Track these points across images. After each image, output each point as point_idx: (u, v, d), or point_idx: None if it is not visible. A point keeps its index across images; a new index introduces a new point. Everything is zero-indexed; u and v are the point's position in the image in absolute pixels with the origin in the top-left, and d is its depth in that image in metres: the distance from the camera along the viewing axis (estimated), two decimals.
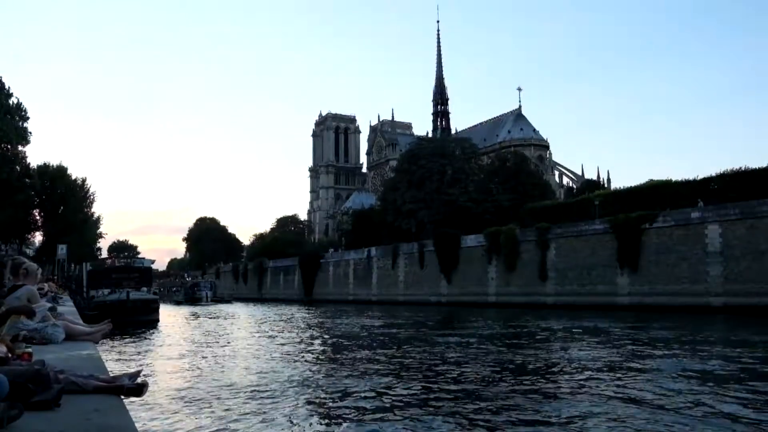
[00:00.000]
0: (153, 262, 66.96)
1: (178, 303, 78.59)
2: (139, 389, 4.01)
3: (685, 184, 44.62)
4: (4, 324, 5.23)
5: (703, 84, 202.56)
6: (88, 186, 65.72)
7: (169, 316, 48.76)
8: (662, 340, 22.84)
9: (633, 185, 50.75)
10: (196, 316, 50.09)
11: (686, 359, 17.75)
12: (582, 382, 14.36)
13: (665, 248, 39.77)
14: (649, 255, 40.60)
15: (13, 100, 41.16)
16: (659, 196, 43.65)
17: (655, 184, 47.22)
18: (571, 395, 12.89)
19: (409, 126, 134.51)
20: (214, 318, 46.86)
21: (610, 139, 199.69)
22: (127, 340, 27.05)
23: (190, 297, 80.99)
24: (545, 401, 12.46)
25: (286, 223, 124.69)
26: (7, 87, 40.10)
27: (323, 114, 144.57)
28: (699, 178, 44.19)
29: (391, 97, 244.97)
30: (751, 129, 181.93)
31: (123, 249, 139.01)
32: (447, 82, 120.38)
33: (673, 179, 46.78)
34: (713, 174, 43.34)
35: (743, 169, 41.59)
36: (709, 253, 37.36)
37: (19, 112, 42.17)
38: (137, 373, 4.38)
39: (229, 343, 27.55)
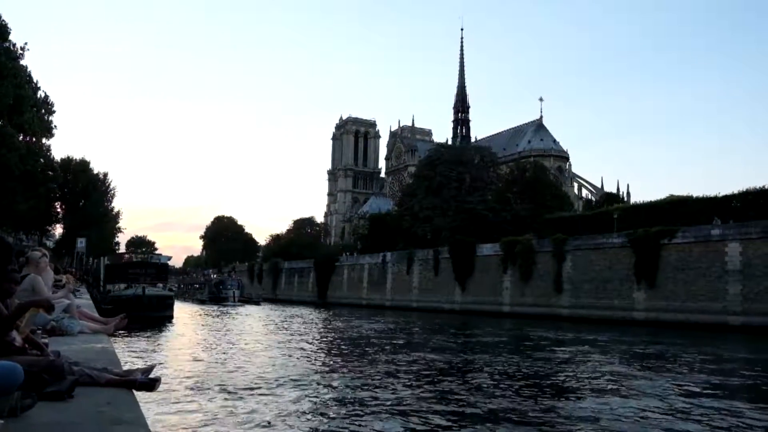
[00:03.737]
0: (170, 258, 67.47)
1: (201, 302, 74.33)
2: (152, 384, 4.04)
3: (706, 200, 44.05)
4: (24, 316, 5.29)
5: (729, 97, 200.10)
6: (110, 181, 66.59)
7: (187, 314, 48.96)
8: (672, 358, 22.55)
9: (653, 200, 50.21)
10: (216, 315, 49.66)
11: (687, 377, 17.51)
12: (580, 396, 14.24)
13: (684, 264, 39.27)
14: (667, 271, 40.12)
15: (40, 94, 41.79)
16: (679, 212, 43.10)
17: (676, 200, 46.69)
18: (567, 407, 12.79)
19: (428, 132, 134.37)
20: (231, 317, 47.07)
21: (630, 153, 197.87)
22: (141, 335, 27.28)
23: (214, 296, 74.95)
24: (541, 412, 12.37)
25: (303, 224, 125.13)
26: (35, 81, 40.75)
27: (344, 118, 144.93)
28: (720, 195, 43.65)
29: (412, 103, 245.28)
30: None
31: (141, 245, 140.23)
32: (468, 90, 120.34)
33: (694, 195, 46.27)
34: (735, 191, 42.80)
35: (766, 187, 40.97)
36: (728, 271, 36.82)
37: (45, 106, 42.81)
38: (151, 368, 4.41)
39: (241, 340, 27.67)
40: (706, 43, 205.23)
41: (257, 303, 74.45)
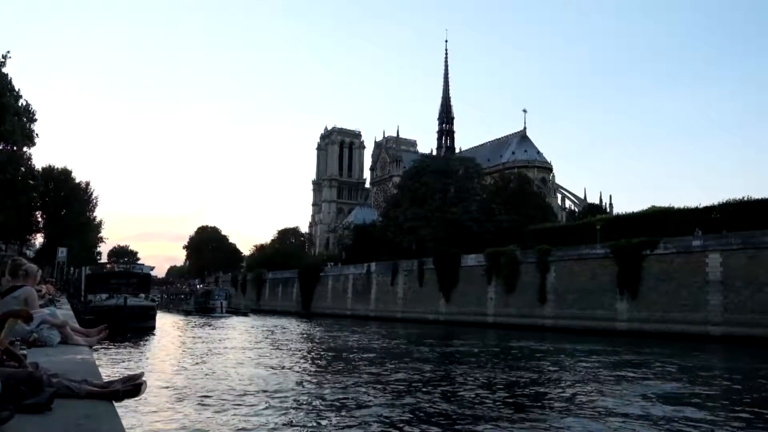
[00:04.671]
0: (152, 268, 66.54)
1: (187, 313, 71.87)
2: (136, 390, 3.97)
3: (688, 211, 44.68)
4: (2, 327, 5.21)
5: (709, 111, 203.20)
6: (92, 190, 65.86)
7: (172, 325, 48.32)
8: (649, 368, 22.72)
9: (635, 211, 50.82)
10: (201, 326, 48.85)
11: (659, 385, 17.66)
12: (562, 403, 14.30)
13: (665, 275, 39.65)
14: (649, 281, 40.48)
15: (22, 102, 41.33)
16: (661, 223, 43.62)
17: (657, 211, 47.27)
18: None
19: (413, 143, 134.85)
20: (214, 328, 46.66)
21: (613, 164, 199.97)
22: (122, 346, 26.95)
23: (201, 307, 72.35)
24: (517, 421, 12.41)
25: (287, 235, 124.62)
26: (17, 89, 40.29)
27: (329, 128, 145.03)
28: (701, 206, 44.27)
29: (397, 113, 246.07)
30: (757, 158, 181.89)
31: (123, 254, 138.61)
32: (453, 101, 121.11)
33: (676, 206, 46.84)
34: (716, 203, 43.46)
35: (746, 198, 41.65)
36: (709, 282, 37.24)
37: (27, 114, 42.33)
38: (135, 376, 4.32)
39: (224, 351, 27.43)
40: (688, 57, 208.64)
41: (245, 314, 72.53)
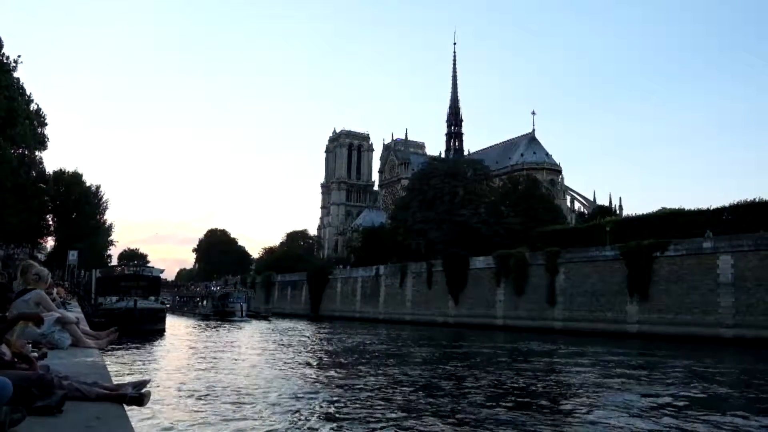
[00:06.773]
0: (162, 271, 66.58)
1: (205, 317, 68.13)
2: (141, 399, 3.99)
3: (698, 213, 44.33)
4: (13, 329, 5.25)
5: (719, 112, 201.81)
6: (102, 193, 66.39)
7: (188, 329, 48.33)
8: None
9: (645, 213, 50.47)
10: (214, 328, 48.51)
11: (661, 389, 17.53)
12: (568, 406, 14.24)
13: (676, 277, 39.39)
14: (660, 283, 40.21)
15: (33, 106, 41.72)
16: (671, 225, 43.31)
17: (668, 213, 46.92)
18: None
19: (422, 145, 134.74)
20: (221, 331, 46.77)
21: (622, 166, 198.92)
22: (132, 348, 27.06)
23: (219, 310, 68.33)
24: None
25: (296, 237, 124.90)
26: (28, 93, 40.71)
27: (337, 131, 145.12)
28: (712, 207, 43.93)
29: (406, 116, 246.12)
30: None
31: (133, 257, 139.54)
32: (461, 104, 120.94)
33: (686, 208, 46.50)
34: (726, 204, 43.10)
35: (757, 200, 41.30)
36: (720, 284, 36.94)
37: (38, 118, 42.73)
38: (142, 383, 4.36)
39: (232, 354, 27.49)
40: (698, 58, 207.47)
41: (266, 318, 69.57)
